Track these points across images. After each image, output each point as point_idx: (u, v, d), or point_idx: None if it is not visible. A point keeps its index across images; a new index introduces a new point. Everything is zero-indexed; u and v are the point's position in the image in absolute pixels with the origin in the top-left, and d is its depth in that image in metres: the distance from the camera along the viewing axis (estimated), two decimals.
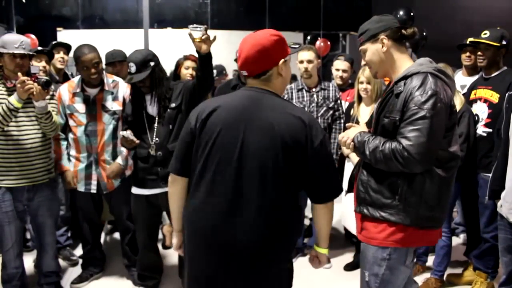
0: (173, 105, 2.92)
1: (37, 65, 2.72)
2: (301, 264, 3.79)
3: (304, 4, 10.98)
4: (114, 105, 3.18)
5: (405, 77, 1.89)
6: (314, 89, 3.59)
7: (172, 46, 5.38)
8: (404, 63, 1.98)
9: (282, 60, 1.82)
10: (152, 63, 2.85)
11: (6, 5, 9.59)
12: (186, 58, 3.81)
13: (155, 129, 2.93)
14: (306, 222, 4.14)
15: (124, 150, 3.17)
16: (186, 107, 2.91)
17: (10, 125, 2.77)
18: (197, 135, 1.81)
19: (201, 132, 1.80)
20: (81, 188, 3.23)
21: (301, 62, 3.54)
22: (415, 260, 2.82)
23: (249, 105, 1.79)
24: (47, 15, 10.55)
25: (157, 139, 2.92)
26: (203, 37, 2.59)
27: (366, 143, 1.92)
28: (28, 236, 3.86)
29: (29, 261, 3.47)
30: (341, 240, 4.23)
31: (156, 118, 2.94)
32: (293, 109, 1.81)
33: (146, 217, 3.08)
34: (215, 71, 5.43)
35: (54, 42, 4.27)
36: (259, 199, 1.73)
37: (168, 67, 3.84)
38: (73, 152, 3.22)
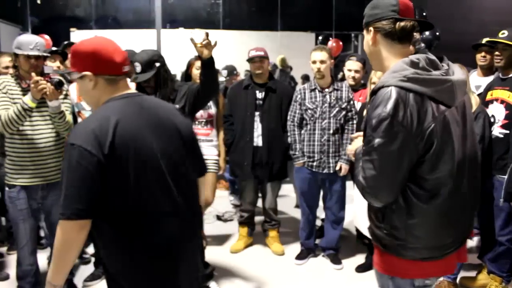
0: (177, 106, 2.92)
1: (51, 66, 2.74)
2: (312, 265, 3.78)
3: (316, 4, 10.96)
4: None
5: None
6: (327, 90, 3.58)
7: (184, 46, 5.37)
8: (391, 64, 1.62)
9: None
10: (157, 64, 2.86)
11: (21, 6, 9.70)
12: (197, 58, 3.81)
13: None
14: (318, 223, 4.12)
15: None
16: (190, 109, 2.93)
17: (25, 125, 2.80)
18: (107, 164, 1.54)
19: (112, 159, 1.55)
20: None
21: (314, 62, 3.53)
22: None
23: (142, 110, 1.70)
24: (61, 16, 10.66)
25: None
26: (204, 42, 2.61)
27: (359, 161, 1.68)
28: (42, 234, 3.88)
29: (42, 258, 3.49)
30: (353, 241, 4.20)
31: None
32: (170, 105, 1.93)
33: None
34: (225, 72, 5.44)
35: (66, 42, 4.31)
36: (188, 195, 1.76)
37: (180, 67, 3.86)
38: None
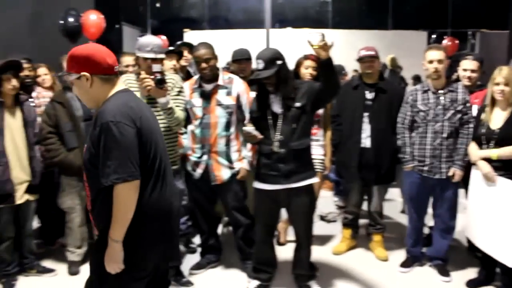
0: (298, 104, 2.97)
1: (158, 65, 2.95)
2: (417, 274, 3.61)
3: (430, 1, 10.43)
4: (227, 100, 3.32)
5: None
6: (441, 91, 3.38)
7: (292, 46, 5.42)
8: None
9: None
10: (279, 62, 2.92)
11: (143, 11, 10.45)
12: (306, 57, 3.83)
13: (279, 127, 2.99)
14: (426, 231, 3.92)
15: (249, 154, 3.35)
16: (311, 108, 2.98)
17: None
18: (140, 136, 1.93)
19: (143, 132, 1.94)
20: (188, 167, 3.43)
21: (431, 62, 3.35)
22: None
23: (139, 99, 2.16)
24: (176, 17, 11.29)
25: (281, 136, 2.98)
26: (321, 44, 2.66)
27: None
28: None
29: None
30: (463, 253, 3.93)
31: (280, 116, 3.00)
32: None
33: (266, 212, 3.16)
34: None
35: (179, 42, 4.56)
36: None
37: (289, 66, 3.89)
38: (189, 143, 3.42)
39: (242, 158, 3.40)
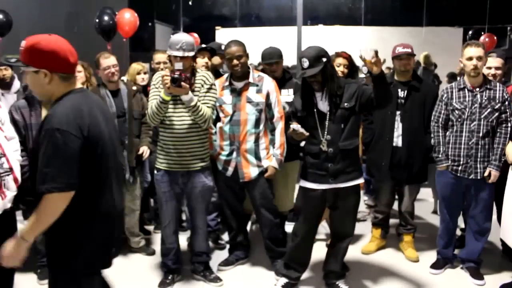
0: (346, 105, 2.95)
1: (180, 63, 2.98)
2: (449, 276, 3.53)
3: None
4: (257, 97, 3.33)
5: None
6: (477, 89, 3.29)
7: (324, 43, 5.36)
8: None
9: None
10: (324, 59, 2.90)
11: (175, 8, 10.57)
12: (337, 55, 3.79)
13: (326, 126, 2.97)
14: (458, 232, 3.83)
15: (278, 153, 3.35)
16: (359, 110, 2.97)
17: (171, 115, 3.08)
18: (87, 145, 1.87)
19: (90, 140, 1.88)
20: (219, 167, 3.45)
21: (470, 59, 3.25)
22: None
23: (94, 102, 2.04)
24: (208, 15, 11.36)
25: (328, 136, 2.96)
26: (373, 60, 2.69)
27: None
28: (184, 217, 4.21)
29: (183, 240, 3.79)
30: (497, 256, 3.83)
31: (328, 115, 2.97)
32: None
33: (312, 211, 3.13)
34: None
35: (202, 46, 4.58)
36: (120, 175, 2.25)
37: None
38: (218, 140, 3.44)
39: (271, 156, 3.40)
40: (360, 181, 3.08)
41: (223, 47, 3.85)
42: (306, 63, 2.87)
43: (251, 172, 3.37)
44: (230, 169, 3.41)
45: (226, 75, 3.49)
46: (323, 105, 2.99)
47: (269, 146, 3.41)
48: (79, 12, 7.31)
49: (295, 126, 2.89)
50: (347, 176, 3.00)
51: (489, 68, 3.61)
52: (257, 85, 3.36)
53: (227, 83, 3.40)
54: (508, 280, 3.34)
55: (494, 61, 3.63)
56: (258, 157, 3.37)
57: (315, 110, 3.00)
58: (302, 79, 2.99)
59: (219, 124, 3.44)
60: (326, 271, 3.32)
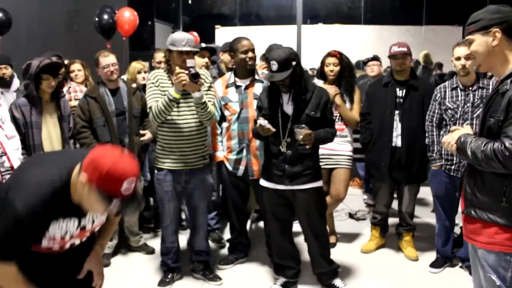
0: (312, 113, 2.96)
1: (192, 60, 2.97)
2: (448, 275, 3.54)
3: None
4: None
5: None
6: (470, 88, 3.29)
7: (323, 42, 5.38)
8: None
9: None
10: (294, 63, 2.89)
11: (175, 7, 10.56)
12: (329, 54, 3.74)
13: (288, 128, 2.96)
14: (457, 230, 3.84)
15: None
16: (323, 121, 3.01)
17: (174, 114, 3.07)
18: None
19: None
20: (229, 168, 3.44)
21: (458, 58, 3.25)
22: None
23: None
24: (208, 14, 11.35)
25: (288, 138, 2.96)
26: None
27: (468, 144, 1.91)
28: (183, 216, 4.21)
29: (183, 239, 3.79)
30: None
31: (291, 118, 2.97)
32: None
33: (274, 207, 3.13)
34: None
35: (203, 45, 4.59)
36: None
37: (319, 63, 3.86)
38: (224, 140, 3.44)
39: None
40: (317, 184, 3.07)
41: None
42: (275, 66, 2.85)
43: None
44: (241, 168, 3.41)
45: (228, 73, 3.49)
46: (288, 107, 2.99)
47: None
48: (79, 10, 7.31)
49: (262, 121, 2.89)
50: (303, 179, 3.00)
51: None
52: (262, 82, 3.37)
53: (231, 81, 3.40)
54: None
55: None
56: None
57: (279, 110, 3.00)
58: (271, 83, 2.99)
59: (225, 124, 3.43)
60: (317, 274, 3.30)
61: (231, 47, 3.40)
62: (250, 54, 3.29)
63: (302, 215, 3.11)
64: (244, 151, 3.37)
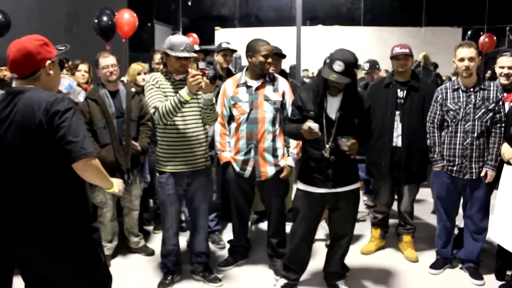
0: (356, 121, 2.93)
1: (203, 62, 2.97)
2: (448, 276, 3.54)
3: None
4: (275, 96, 3.34)
5: None
6: (471, 89, 3.29)
7: (323, 43, 5.37)
8: None
9: (48, 62, 2.05)
10: (355, 70, 2.86)
11: (174, 9, 10.56)
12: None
13: (332, 134, 2.91)
14: (456, 232, 3.83)
15: (295, 152, 3.36)
16: (363, 127, 2.99)
17: (177, 117, 3.06)
18: None
19: None
20: (236, 169, 3.42)
21: (462, 60, 3.26)
22: None
23: None
24: (208, 15, 11.36)
25: (332, 143, 2.90)
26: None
27: None
28: (183, 218, 4.20)
29: (182, 240, 3.79)
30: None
31: (336, 123, 2.91)
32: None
33: (310, 212, 3.09)
34: (367, 65, 5.31)
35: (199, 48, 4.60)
36: None
37: (318, 64, 3.86)
38: (233, 141, 3.43)
39: (285, 155, 3.40)
40: (358, 184, 3.09)
41: (225, 45, 3.92)
42: (340, 67, 2.72)
43: (268, 171, 3.37)
44: (249, 169, 3.39)
45: (239, 74, 3.48)
46: (333, 112, 2.93)
47: (285, 145, 3.42)
48: (78, 12, 7.31)
49: (312, 125, 2.77)
50: (346, 181, 2.99)
51: (502, 67, 3.55)
52: (273, 84, 3.37)
53: (242, 81, 3.40)
54: (507, 280, 3.34)
55: (508, 61, 3.55)
56: (275, 156, 3.37)
57: (324, 114, 2.93)
58: (322, 79, 2.86)
59: (233, 125, 3.42)
60: (326, 272, 3.32)
61: (251, 47, 3.34)
62: (270, 60, 3.29)
63: (341, 215, 3.09)
64: (252, 152, 3.36)
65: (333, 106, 2.93)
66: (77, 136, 1.92)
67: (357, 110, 2.94)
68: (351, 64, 2.76)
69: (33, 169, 1.95)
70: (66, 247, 2.01)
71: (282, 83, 3.40)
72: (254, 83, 3.35)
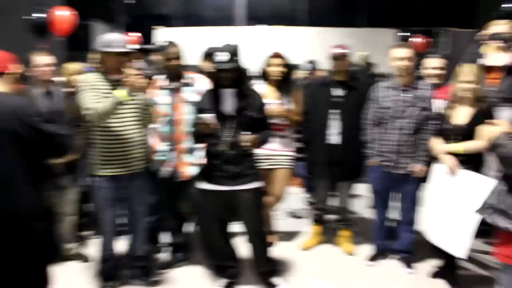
0: (253, 114, 2.99)
1: (141, 62, 2.92)
2: (383, 267, 3.68)
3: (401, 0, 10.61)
4: (193, 97, 3.33)
5: None
6: (406, 88, 3.44)
7: (264, 43, 5.41)
8: None
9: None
10: (239, 58, 2.92)
11: (114, 7, 10.28)
12: (275, 55, 3.78)
13: (229, 128, 2.97)
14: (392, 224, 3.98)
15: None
16: (262, 122, 3.06)
17: (114, 118, 2.98)
18: None
19: None
20: (155, 169, 3.39)
21: (401, 59, 3.39)
22: None
23: None
24: (149, 14, 11.16)
25: (229, 137, 2.96)
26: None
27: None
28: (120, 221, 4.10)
29: (121, 245, 3.70)
30: (428, 245, 3.98)
31: (232, 116, 2.98)
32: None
33: (212, 209, 3.11)
34: (310, 65, 5.40)
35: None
36: None
37: (260, 65, 3.88)
38: (153, 142, 3.39)
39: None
40: (259, 184, 3.13)
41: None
42: (225, 57, 2.87)
43: (188, 171, 3.36)
44: (168, 170, 3.37)
45: (161, 76, 3.45)
46: (228, 106, 3.01)
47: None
48: (7, 7, 6.96)
49: (204, 115, 2.87)
50: (246, 179, 3.04)
51: (434, 68, 3.72)
52: (192, 86, 3.36)
53: (163, 84, 3.37)
54: (437, 268, 3.50)
55: (435, 62, 3.74)
56: (195, 156, 3.37)
57: (219, 108, 3.00)
58: (213, 74, 2.99)
59: (153, 125, 3.39)
60: (259, 273, 3.33)
61: (159, 50, 3.39)
62: (174, 62, 3.31)
63: (246, 215, 3.12)
64: (172, 153, 3.35)
65: (228, 100, 3.01)
66: None
67: (252, 103, 3.02)
68: (234, 52, 2.91)
69: None
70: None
71: (202, 84, 3.37)
72: (174, 85, 3.35)
